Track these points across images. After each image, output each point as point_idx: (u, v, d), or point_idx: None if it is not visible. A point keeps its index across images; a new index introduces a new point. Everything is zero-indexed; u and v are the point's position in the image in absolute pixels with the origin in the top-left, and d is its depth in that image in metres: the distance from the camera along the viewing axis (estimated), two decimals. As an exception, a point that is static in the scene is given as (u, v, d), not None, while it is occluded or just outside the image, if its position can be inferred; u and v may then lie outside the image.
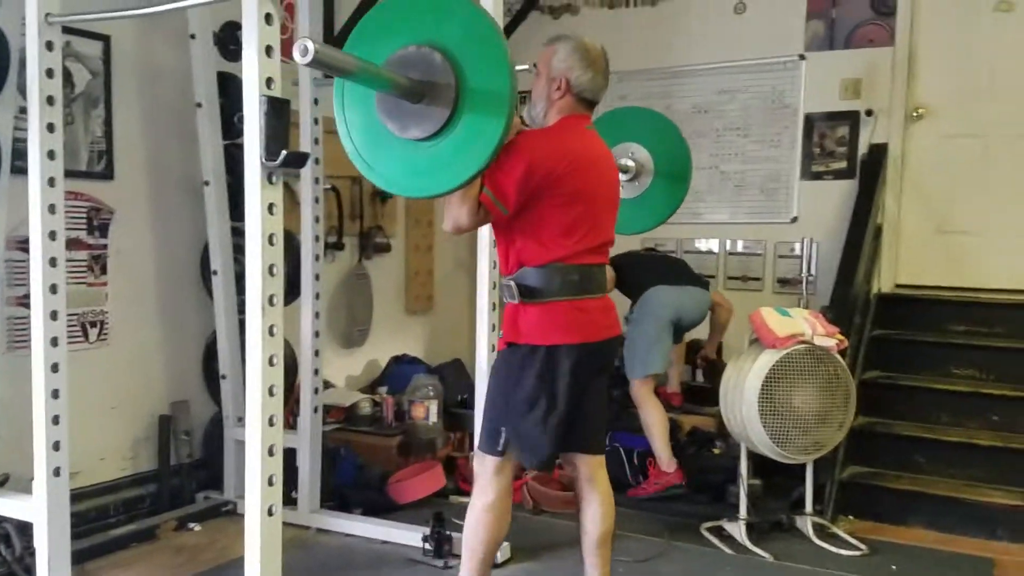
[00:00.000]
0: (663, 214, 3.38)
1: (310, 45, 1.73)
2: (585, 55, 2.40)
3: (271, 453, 2.09)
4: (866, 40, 4.76)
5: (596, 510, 2.50)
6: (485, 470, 2.45)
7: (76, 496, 2.93)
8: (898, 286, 4.79)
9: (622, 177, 3.15)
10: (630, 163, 3.26)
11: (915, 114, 4.71)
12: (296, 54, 1.74)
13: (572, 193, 2.30)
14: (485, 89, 1.99)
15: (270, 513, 2.11)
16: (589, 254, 2.38)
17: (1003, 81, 4.54)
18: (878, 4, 4.72)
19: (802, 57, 4.81)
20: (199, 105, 3.52)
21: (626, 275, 3.94)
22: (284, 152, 1.91)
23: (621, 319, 2.72)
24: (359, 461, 3.89)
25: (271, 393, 2.07)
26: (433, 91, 2.00)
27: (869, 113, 4.75)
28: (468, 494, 3.42)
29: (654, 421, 3.76)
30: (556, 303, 2.33)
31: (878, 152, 4.69)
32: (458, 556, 3.16)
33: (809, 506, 3.51)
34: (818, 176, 4.90)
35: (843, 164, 4.84)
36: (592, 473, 2.52)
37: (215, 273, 3.58)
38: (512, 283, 2.35)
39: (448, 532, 3.19)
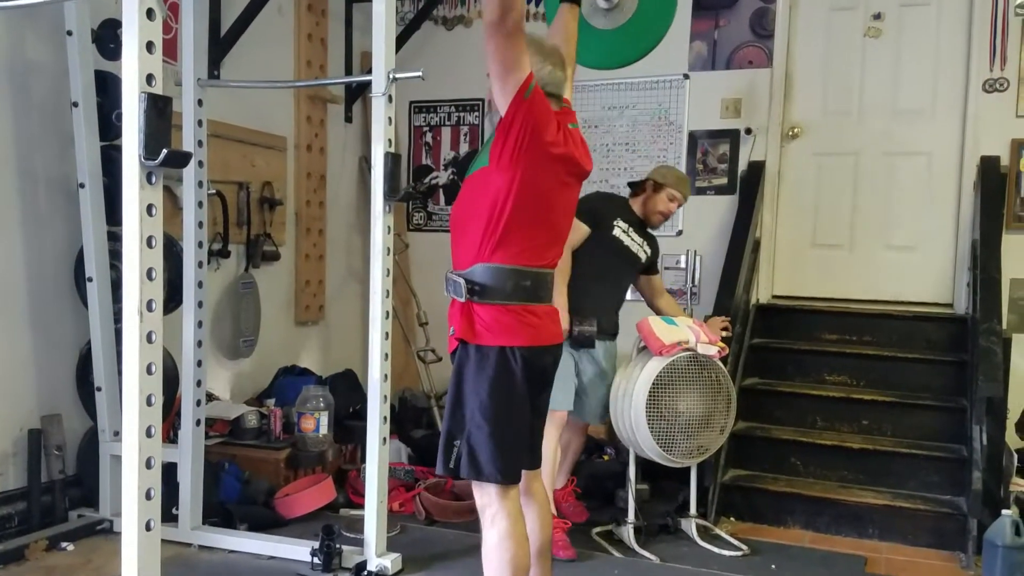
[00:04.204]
0: (655, 37, 3.05)
1: None
2: (539, 48, 2.29)
3: (148, 465, 2.01)
4: (746, 61, 4.97)
5: (535, 520, 2.39)
6: (490, 499, 2.22)
7: (-65, 517, 2.71)
8: (775, 297, 5.00)
9: (602, 5, 2.95)
10: None
11: (791, 133, 4.94)
12: None
13: (547, 181, 2.18)
14: None
15: (148, 528, 2.02)
16: (544, 261, 2.27)
17: (871, 102, 4.81)
18: (757, 27, 4.93)
19: (686, 76, 4.97)
20: (75, 104, 3.37)
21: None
22: (165, 151, 1.84)
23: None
24: (244, 475, 3.78)
25: (149, 403, 2.00)
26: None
27: (748, 131, 4.94)
28: (359, 506, 3.40)
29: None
30: (508, 306, 2.21)
31: (757, 169, 4.88)
32: (348, 569, 3.13)
33: (693, 509, 3.64)
34: (702, 191, 5.06)
35: (724, 180, 5.03)
36: (529, 485, 2.38)
37: (90, 280, 3.41)
38: (461, 279, 2.21)
39: (338, 545, 3.13)
